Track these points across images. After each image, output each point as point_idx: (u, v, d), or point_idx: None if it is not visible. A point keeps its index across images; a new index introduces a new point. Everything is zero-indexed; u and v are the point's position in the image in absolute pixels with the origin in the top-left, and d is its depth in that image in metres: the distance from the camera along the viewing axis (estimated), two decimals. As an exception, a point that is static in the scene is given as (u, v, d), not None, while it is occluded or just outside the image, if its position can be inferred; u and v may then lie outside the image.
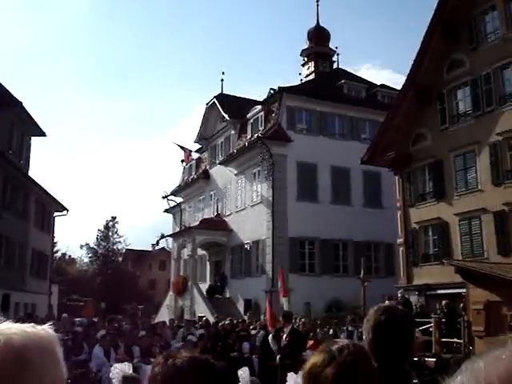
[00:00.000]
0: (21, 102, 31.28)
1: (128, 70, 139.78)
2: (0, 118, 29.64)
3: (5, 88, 32.15)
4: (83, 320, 21.12)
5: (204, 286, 35.42)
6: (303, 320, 20.72)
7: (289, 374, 4.56)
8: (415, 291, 24.73)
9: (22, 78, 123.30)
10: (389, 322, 2.59)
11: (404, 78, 26.25)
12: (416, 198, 26.00)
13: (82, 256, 70.89)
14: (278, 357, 12.93)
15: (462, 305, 17.71)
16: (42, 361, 1.21)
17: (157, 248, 76.02)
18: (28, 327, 1.25)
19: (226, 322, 20.59)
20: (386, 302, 14.33)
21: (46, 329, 1.28)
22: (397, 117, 26.27)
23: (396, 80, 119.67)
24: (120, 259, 69.19)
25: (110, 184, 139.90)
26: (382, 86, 39.05)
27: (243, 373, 5.21)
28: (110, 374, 5.37)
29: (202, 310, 31.25)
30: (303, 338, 13.22)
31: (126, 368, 5.28)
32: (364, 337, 2.67)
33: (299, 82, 37.90)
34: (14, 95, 31.76)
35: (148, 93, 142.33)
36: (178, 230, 41.65)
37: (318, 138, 33.01)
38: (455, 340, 15.96)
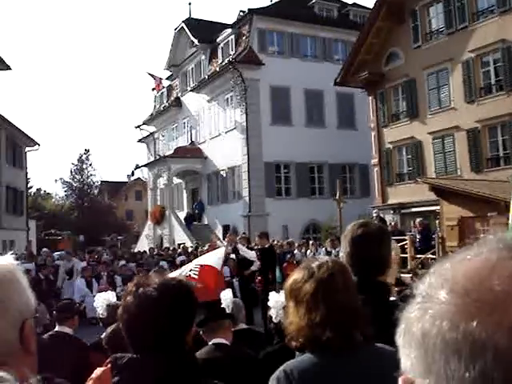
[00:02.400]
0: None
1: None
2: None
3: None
4: (62, 253, 21.24)
5: (182, 214, 35.59)
6: (280, 241, 21.13)
7: (270, 294, 4.64)
8: (390, 210, 25.16)
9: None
10: (365, 235, 2.63)
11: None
12: (389, 118, 26.06)
13: (57, 191, 70.51)
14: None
15: (436, 222, 18.09)
16: (3, 289, 1.22)
17: (132, 179, 75.88)
18: None
19: (205, 248, 20.85)
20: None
21: (8, 259, 1.28)
22: (369, 36, 25.94)
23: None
24: (96, 192, 68.90)
25: (81, 116, 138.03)
26: (354, 4, 38.30)
27: (225, 295, 5.29)
28: (94, 303, 5.42)
29: (182, 238, 31.53)
30: (273, 255, 13.47)
31: (109, 296, 5.33)
32: (341, 252, 2.72)
33: (270, 3, 36.98)
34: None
35: (116, 19, 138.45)
36: (152, 159, 41.43)
37: (291, 60, 32.55)
38: (430, 256, 16.37)
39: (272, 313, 4.72)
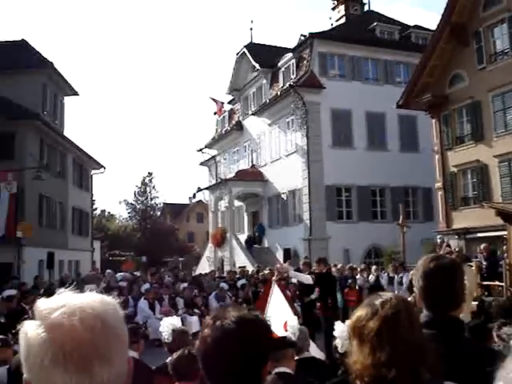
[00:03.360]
0: (52, 63, 31.42)
1: (153, 25, 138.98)
2: (33, 80, 29.82)
3: (35, 50, 32.32)
4: (127, 274, 21.65)
5: (242, 237, 35.77)
6: (341, 265, 20.90)
7: (336, 323, 4.60)
8: (455, 235, 24.55)
9: (52, 38, 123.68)
10: (438, 268, 2.59)
11: (438, 17, 25.47)
12: (454, 141, 25.55)
13: (121, 212, 72.02)
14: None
15: (503, 247, 17.52)
16: (120, 326, 1.26)
17: (194, 201, 76.88)
18: (95, 296, 1.28)
19: (266, 272, 20.84)
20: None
21: (108, 297, 1.31)
22: (432, 58, 25.62)
23: (429, 19, 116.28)
24: (158, 213, 70.13)
25: (145, 140, 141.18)
26: (416, 26, 37.95)
27: (291, 321, 5.26)
28: (160, 328, 5.48)
29: (242, 261, 31.65)
30: (332, 280, 13.32)
31: (175, 321, 5.39)
32: (414, 286, 2.68)
33: (330, 27, 37.09)
34: (45, 56, 31.94)
35: (179, 45, 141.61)
36: (213, 182, 41.90)
37: (352, 83, 32.48)
38: (497, 283, 15.85)
39: (337, 343, 4.67)
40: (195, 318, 16.30)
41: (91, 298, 1.26)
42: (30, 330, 1.22)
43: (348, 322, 4.70)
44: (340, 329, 4.57)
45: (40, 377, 1.19)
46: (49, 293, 15.27)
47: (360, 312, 2.11)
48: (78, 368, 1.15)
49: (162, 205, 69.97)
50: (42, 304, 1.24)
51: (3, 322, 11.28)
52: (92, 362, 1.17)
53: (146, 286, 18.00)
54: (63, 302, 1.22)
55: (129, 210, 67.86)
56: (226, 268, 31.35)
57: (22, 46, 32.02)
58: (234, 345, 1.86)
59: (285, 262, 28.48)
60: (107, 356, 1.19)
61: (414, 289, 2.68)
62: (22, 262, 25.11)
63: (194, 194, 72.46)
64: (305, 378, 4.53)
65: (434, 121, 26.68)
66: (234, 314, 1.95)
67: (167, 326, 5.35)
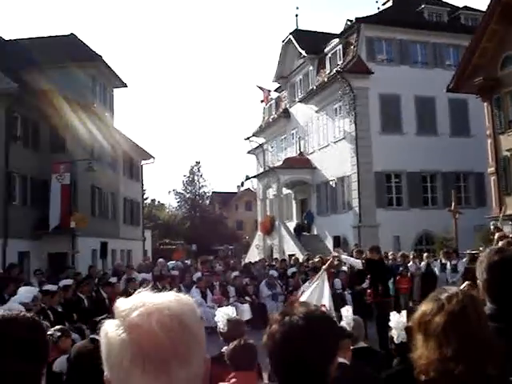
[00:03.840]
0: (101, 56, 31.92)
1: (197, 17, 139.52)
2: (82, 73, 30.35)
3: (84, 43, 32.88)
4: (178, 263, 21.92)
5: (291, 225, 35.77)
6: (393, 253, 20.71)
7: (391, 313, 4.57)
8: (509, 221, 23.98)
9: (100, 32, 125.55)
10: (502, 261, 2.55)
11: (488, -2, 24.71)
12: (506, 125, 24.89)
13: (170, 202, 72.91)
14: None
15: (561, 233, 17.04)
16: (198, 326, 1.26)
17: (242, 189, 77.22)
18: (173, 295, 1.29)
19: (316, 260, 20.80)
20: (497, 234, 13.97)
21: (186, 296, 1.32)
22: (482, 40, 24.95)
23: (479, 0, 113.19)
24: (207, 202, 70.71)
25: (193, 130, 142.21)
26: (465, 7, 37.00)
27: (346, 311, 5.25)
28: (215, 318, 5.55)
29: (291, 249, 31.67)
30: (383, 268, 13.18)
31: (229, 311, 5.44)
32: (478, 279, 2.65)
33: (377, 11, 36.49)
34: (94, 50, 32.47)
35: (224, 36, 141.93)
36: (261, 170, 41.97)
37: (400, 67, 31.96)
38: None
39: (393, 333, 4.65)
40: (246, 306, 16.44)
41: (168, 298, 1.26)
42: (110, 330, 1.24)
43: (403, 312, 4.66)
44: (396, 319, 4.54)
45: (120, 377, 1.21)
46: (103, 282, 15.62)
47: (425, 307, 2.10)
48: (156, 369, 1.17)
49: (210, 193, 70.54)
50: (121, 303, 1.26)
51: (60, 312, 11.58)
52: (170, 364, 1.18)
53: (198, 274, 18.19)
54: (141, 302, 1.23)
55: (178, 200, 68.69)
56: (276, 256, 31.44)
57: (72, 40, 32.58)
58: (303, 340, 1.88)
59: (334, 249, 28.45)
60: (185, 357, 1.20)
61: (478, 281, 2.65)
62: (76, 252, 25.68)
63: (242, 183, 72.62)
64: (361, 368, 4.52)
65: (485, 104, 26.02)
66: (301, 309, 1.96)
67: (222, 315, 5.40)
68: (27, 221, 25.87)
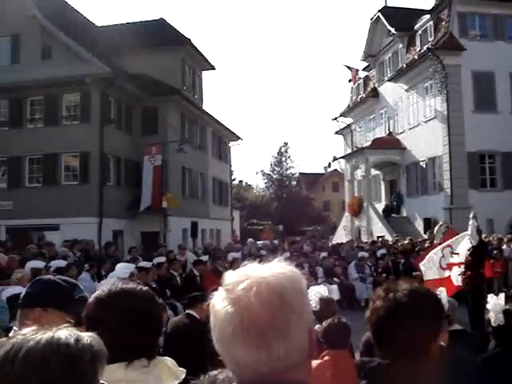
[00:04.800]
0: (189, 39, 32.44)
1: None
2: (172, 57, 30.98)
3: (173, 27, 33.49)
4: (266, 243, 22.16)
5: (379, 206, 35.27)
6: (486, 236, 20.04)
7: (489, 296, 4.45)
8: None
9: (188, 15, 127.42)
10: None
11: None
12: None
13: (258, 182, 73.55)
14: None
15: None
16: (299, 300, 1.27)
17: (329, 170, 76.78)
18: (278, 268, 1.30)
19: (406, 242, 20.48)
20: None
21: (292, 268, 1.33)
22: None
23: None
24: (294, 183, 70.83)
25: (280, 110, 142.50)
26: None
27: (440, 293, 5.16)
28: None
29: (379, 230, 31.25)
30: (483, 251, 12.69)
31: (321, 290, 5.48)
32: None
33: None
34: (183, 33, 33.03)
35: (310, 15, 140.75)
36: (349, 151, 41.51)
37: (494, 43, 30.56)
38: None
39: (491, 316, 4.53)
40: (335, 287, 16.40)
41: (272, 271, 1.28)
42: (217, 303, 1.29)
43: (501, 295, 4.53)
44: (493, 302, 4.41)
45: (224, 348, 1.26)
46: (194, 260, 16.02)
47: None
48: (255, 342, 1.20)
49: (297, 174, 70.57)
50: (228, 277, 1.31)
51: (155, 288, 12.00)
52: (268, 337, 1.20)
53: (286, 254, 18.31)
54: (246, 276, 1.27)
55: (265, 180, 69.20)
56: (363, 238, 31.10)
57: (161, 24, 33.28)
58: (407, 317, 1.88)
59: (425, 232, 27.82)
60: (283, 330, 1.21)
61: None
62: (168, 231, 26.43)
63: (330, 164, 72.40)
64: (458, 350, 4.43)
65: None
66: (406, 286, 1.96)
67: (314, 294, 5.44)
68: (121, 201, 26.88)
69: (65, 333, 1.16)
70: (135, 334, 1.98)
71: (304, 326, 1.27)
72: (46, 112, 26.47)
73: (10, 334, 2.28)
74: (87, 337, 1.19)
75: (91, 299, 2.14)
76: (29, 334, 1.16)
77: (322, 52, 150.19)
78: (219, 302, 1.27)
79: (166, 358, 2.12)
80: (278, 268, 1.31)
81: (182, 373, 2.08)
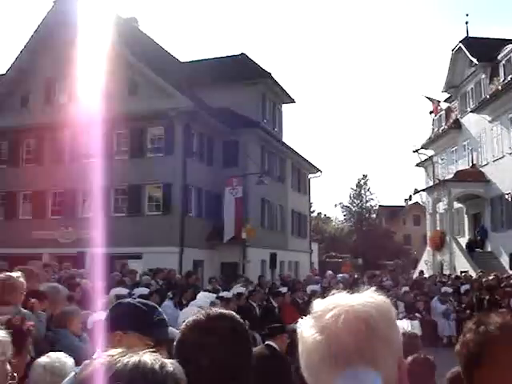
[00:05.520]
0: (270, 74, 32.99)
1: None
2: (253, 91, 31.58)
3: (254, 62, 34.17)
4: (345, 276, 21.92)
5: (463, 241, 34.24)
6: None
7: None
8: None
9: (268, 50, 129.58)
10: None
11: None
12: None
13: (337, 215, 73.08)
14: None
15: None
16: (387, 329, 1.26)
17: (410, 203, 75.32)
18: (367, 297, 1.31)
19: (490, 278, 19.77)
20: None
21: (382, 297, 1.33)
22: None
23: None
24: (373, 216, 69.92)
25: (359, 142, 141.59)
26: None
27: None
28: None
29: (463, 265, 30.30)
30: None
31: (405, 324, 5.40)
32: None
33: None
34: (263, 68, 33.64)
35: (388, 47, 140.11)
36: (431, 183, 40.65)
37: None
38: None
39: None
40: (416, 322, 15.99)
41: (360, 300, 1.28)
42: (305, 330, 1.33)
43: None
44: None
45: (312, 376, 1.27)
46: (273, 292, 16.05)
47: None
48: (342, 370, 1.19)
49: (377, 207, 69.67)
50: (317, 305, 1.32)
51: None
52: (355, 365, 1.19)
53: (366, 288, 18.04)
54: (334, 305, 1.28)
55: (344, 213, 68.69)
56: (446, 272, 30.24)
57: (242, 59, 34.05)
58: (499, 351, 1.84)
59: (511, 268, 26.77)
60: (371, 359, 1.20)
61: None
62: (247, 262, 26.63)
63: (411, 196, 70.96)
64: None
65: None
66: (497, 319, 1.93)
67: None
68: (201, 231, 27.36)
69: (150, 358, 1.19)
70: (234, 358, 2.00)
71: (393, 356, 1.25)
72: (132, 144, 27.45)
73: (95, 356, 2.39)
74: (170, 364, 1.21)
75: (188, 323, 2.16)
76: (116, 355, 1.18)
77: (402, 83, 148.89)
78: (307, 330, 1.28)
79: None
80: (367, 297, 1.31)
81: None
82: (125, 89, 27.33)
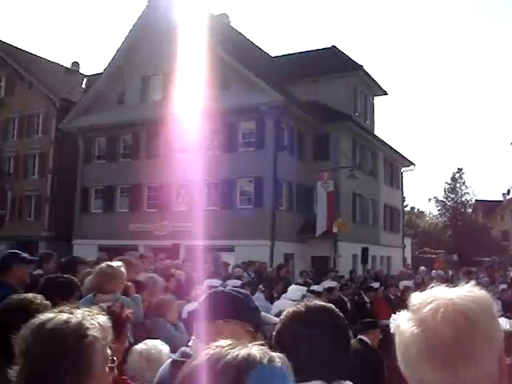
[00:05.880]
0: (361, 66, 32.56)
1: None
2: (344, 84, 31.28)
3: (345, 54, 33.82)
4: (439, 272, 21.37)
5: None
6: None
7: None
8: None
9: (360, 42, 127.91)
10: None
11: None
12: None
13: (430, 209, 71.25)
14: None
15: None
16: (488, 323, 1.24)
17: (508, 197, 72.34)
18: (466, 291, 1.29)
19: None
20: None
21: (482, 291, 1.31)
22: None
23: None
24: (469, 211, 67.67)
25: (454, 134, 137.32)
26: None
27: None
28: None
29: None
30: None
31: (503, 323, 5.22)
32: None
33: None
34: (354, 60, 33.24)
35: (483, 36, 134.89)
36: (531, 177, 38.91)
37: None
38: None
39: None
40: (514, 322, 15.39)
41: (459, 293, 1.26)
42: (402, 323, 1.32)
43: None
44: None
45: (409, 369, 1.26)
46: (365, 287, 15.91)
47: None
48: (441, 365, 1.19)
49: (473, 201, 67.40)
50: (415, 298, 1.32)
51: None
52: (453, 360, 1.18)
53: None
54: (432, 298, 1.27)
55: (439, 207, 66.86)
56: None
57: (333, 51, 33.80)
58: None
59: None
60: (470, 354, 1.18)
61: None
62: (338, 256, 26.46)
63: (509, 190, 68.16)
64: None
65: None
66: None
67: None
68: (292, 225, 27.46)
69: (260, 352, 1.19)
70: (335, 351, 1.98)
71: (494, 351, 1.22)
72: (224, 139, 27.88)
73: (190, 344, 2.43)
74: (278, 358, 1.21)
75: (287, 314, 2.16)
76: (226, 347, 1.20)
77: (500, 72, 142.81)
78: (404, 323, 1.28)
79: (349, 382, 2.08)
80: (466, 291, 1.29)
81: None
82: (217, 84, 27.77)
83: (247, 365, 1.15)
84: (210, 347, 1.23)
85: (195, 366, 1.19)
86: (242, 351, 1.18)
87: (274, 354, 1.22)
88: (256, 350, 1.20)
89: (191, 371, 1.20)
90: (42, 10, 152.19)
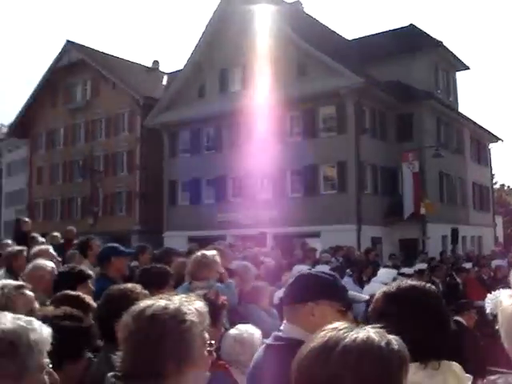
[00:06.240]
0: (441, 42, 31.68)
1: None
2: (424, 61, 30.56)
3: (424, 32, 32.97)
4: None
5: None
6: None
7: None
8: None
9: (439, 18, 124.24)
10: None
11: None
12: None
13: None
14: None
15: None
16: None
17: None
18: None
19: None
20: None
21: None
22: None
23: None
24: None
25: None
26: None
27: None
28: None
29: None
30: None
31: None
32: None
33: None
34: (434, 36, 32.37)
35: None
36: None
37: None
38: None
39: None
40: None
41: None
42: (504, 300, 1.34)
43: None
44: None
45: None
46: (457, 267, 15.59)
47: None
48: None
49: None
50: None
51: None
52: None
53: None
54: None
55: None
56: None
57: (411, 30, 32.95)
58: None
59: None
60: None
61: None
62: (427, 238, 25.98)
63: None
64: None
65: None
66: None
67: None
68: (378, 208, 27.16)
69: (377, 334, 1.22)
70: (425, 331, 1.99)
71: None
72: (305, 126, 27.89)
73: (281, 328, 2.46)
74: (395, 341, 1.23)
75: (379, 294, 2.20)
76: (343, 330, 1.23)
77: None
78: (506, 300, 1.32)
79: (453, 362, 2.08)
80: None
81: (468, 379, 2.05)
82: (294, 71, 27.79)
83: (366, 347, 1.18)
84: (325, 330, 1.26)
85: (313, 349, 1.23)
86: (360, 334, 1.21)
87: (390, 336, 1.25)
88: (374, 333, 1.23)
89: (309, 354, 1.23)
90: (120, 14, 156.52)
